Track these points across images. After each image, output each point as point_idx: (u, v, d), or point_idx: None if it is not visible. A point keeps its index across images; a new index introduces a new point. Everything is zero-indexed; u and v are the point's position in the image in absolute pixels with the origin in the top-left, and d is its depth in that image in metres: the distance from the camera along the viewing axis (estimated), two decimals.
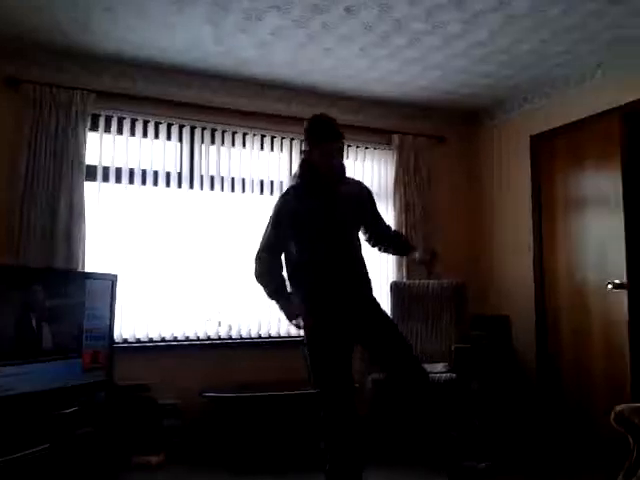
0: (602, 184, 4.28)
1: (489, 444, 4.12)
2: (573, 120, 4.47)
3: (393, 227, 4.86)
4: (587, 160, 4.39)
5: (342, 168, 2.95)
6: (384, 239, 3.18)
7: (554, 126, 4.65)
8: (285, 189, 3.02)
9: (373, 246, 3.21)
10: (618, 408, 2.62)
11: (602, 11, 3.51)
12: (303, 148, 2.99)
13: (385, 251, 3.27)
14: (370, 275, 3.04)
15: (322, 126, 2.89)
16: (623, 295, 3.99)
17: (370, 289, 3.02)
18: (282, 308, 2.91)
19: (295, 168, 4.63)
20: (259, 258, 2.92)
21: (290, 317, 2.90)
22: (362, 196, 3.05)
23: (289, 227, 2.87)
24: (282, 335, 4.56)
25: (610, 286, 4.05)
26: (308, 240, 2.87)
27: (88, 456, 3.20)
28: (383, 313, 3.02)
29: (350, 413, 2.78)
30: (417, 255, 3.08)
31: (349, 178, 3.06)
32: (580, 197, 4.46)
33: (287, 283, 2.92)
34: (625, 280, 3.98)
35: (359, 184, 3.13)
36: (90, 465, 3.20)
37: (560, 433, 4.39)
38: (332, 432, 2.77)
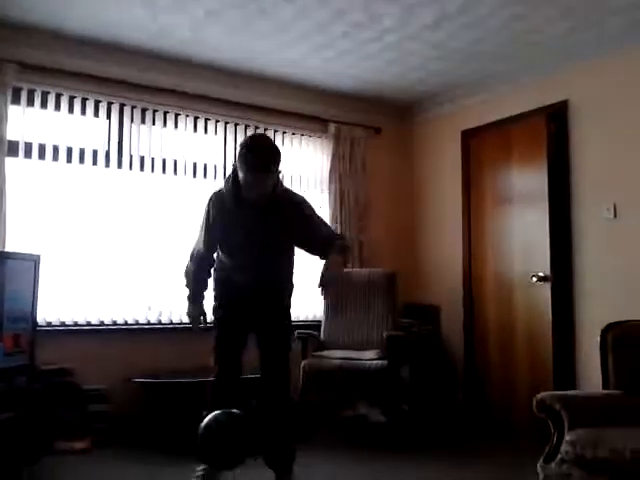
0: (529, 180, 4.42)
1: (417, 429, 4.23)
2: (502, 117, 4.60)
3: (328, 216, 4.91)
4: (515, 157, 4.52)
5: (266, 197, 2.76)
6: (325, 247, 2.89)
7: (484, 122, 4.77)
8: (217, 189, 2.96)
9: (322, 258, 2.88)
10: (539, 396, 2.71)
11: (525, 15, 3.62)
12: (235, 162, 2.79)
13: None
14: (291, 285, 3.04)
15: (253, 154, 2.66)
16: (546, 287, 4.15)
17: (283, 297, 3.01)
18: (190, 309, 3.08)
19: (230, 153, 4.64)
20: (192, 254, 3.04)
21: (193, 321, 3.10)
22: (291, 216, 2.86)
23: (216, 227, 2.90)
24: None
25: (534, 279, 4.20)
26: (231, 244, 2.90)
27: (8, 442, 3.06)
28: (285, 326, 3.02)
29: (235, 381, 2.99)
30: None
31: (283, 193, 2.87)
32: (508, 192, 4.58)
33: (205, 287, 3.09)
34: (549, 273, 4.14)
35: (290, 202, 2.88)
36: (10, 451, 3.07)
37: (485, 419, 4.53)
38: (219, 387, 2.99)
